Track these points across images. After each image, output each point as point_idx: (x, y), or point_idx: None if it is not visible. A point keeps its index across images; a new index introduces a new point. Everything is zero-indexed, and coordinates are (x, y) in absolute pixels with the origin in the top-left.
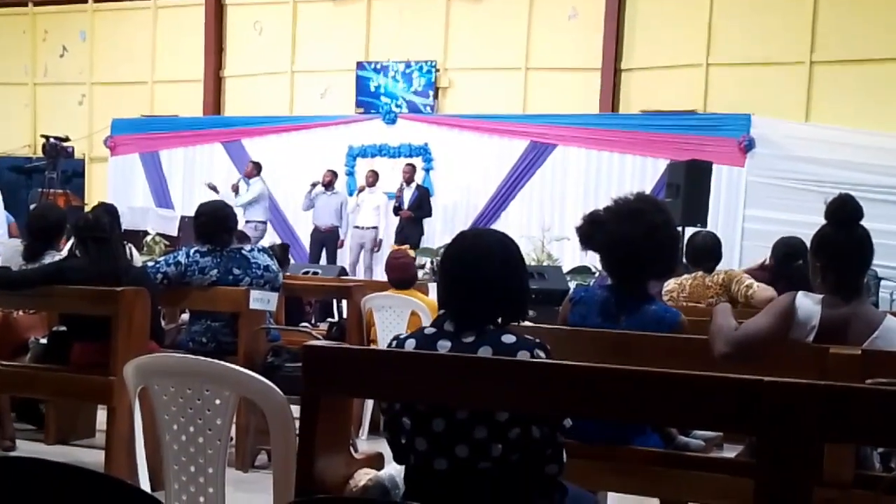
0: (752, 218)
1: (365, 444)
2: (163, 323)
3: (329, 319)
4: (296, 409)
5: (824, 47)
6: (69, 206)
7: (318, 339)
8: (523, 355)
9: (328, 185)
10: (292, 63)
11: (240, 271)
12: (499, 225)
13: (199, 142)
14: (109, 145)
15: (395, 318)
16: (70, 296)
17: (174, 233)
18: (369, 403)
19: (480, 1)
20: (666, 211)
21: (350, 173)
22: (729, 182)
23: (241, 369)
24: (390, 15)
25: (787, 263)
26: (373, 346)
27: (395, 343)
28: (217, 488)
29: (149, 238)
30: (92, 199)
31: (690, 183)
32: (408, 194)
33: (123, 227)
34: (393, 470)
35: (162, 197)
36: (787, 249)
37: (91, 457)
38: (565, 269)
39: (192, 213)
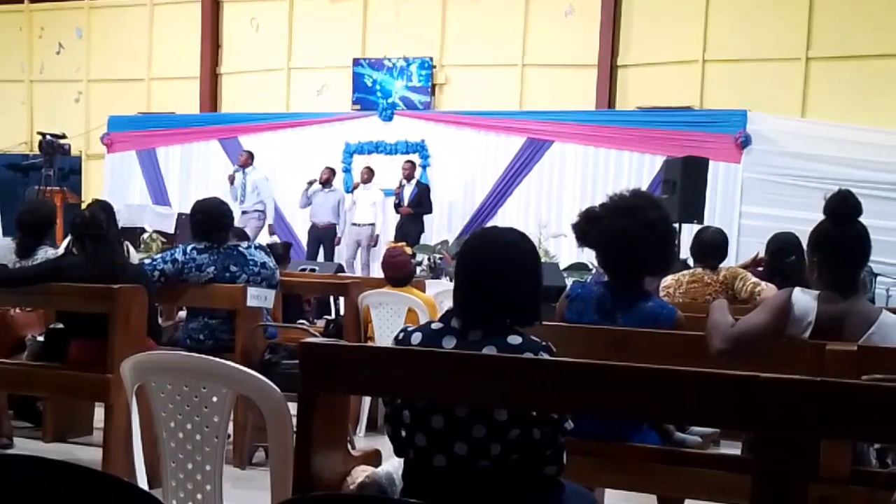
0: (748, 214)
1: (362, 442)
2: (160, 320)
3: (326, 317)
4: (293, 406)
5: (820, 43)
6: (66, 203)
7: (315, 336)
8: (528, 357)
9: (325, 182)
10: (289, 60)
11: (237, 268)
12: (496, 222)
13: (195, 139)
14: (106, 142)
15: (392, 315)
16: (67, 293)
17: (171, 230)
18: (366, 400)
19: None
20: (662, 207)
21: (347, 170)
22: (725, 178)
23: (239, 366)
24: (387, 11)
25: (780, 259)
26: (370, 343)
27: (401, 335)
28: (214, 485)
29: (146, 235)
30: (89, 196)
31: (687, 179)
32: (408, 191)
33: (120, 224)
34: (390, 467)
35: (159, 194)
36: (780, 245)
37: (88, 454)
38: (562, 266)
39: (188, 210)
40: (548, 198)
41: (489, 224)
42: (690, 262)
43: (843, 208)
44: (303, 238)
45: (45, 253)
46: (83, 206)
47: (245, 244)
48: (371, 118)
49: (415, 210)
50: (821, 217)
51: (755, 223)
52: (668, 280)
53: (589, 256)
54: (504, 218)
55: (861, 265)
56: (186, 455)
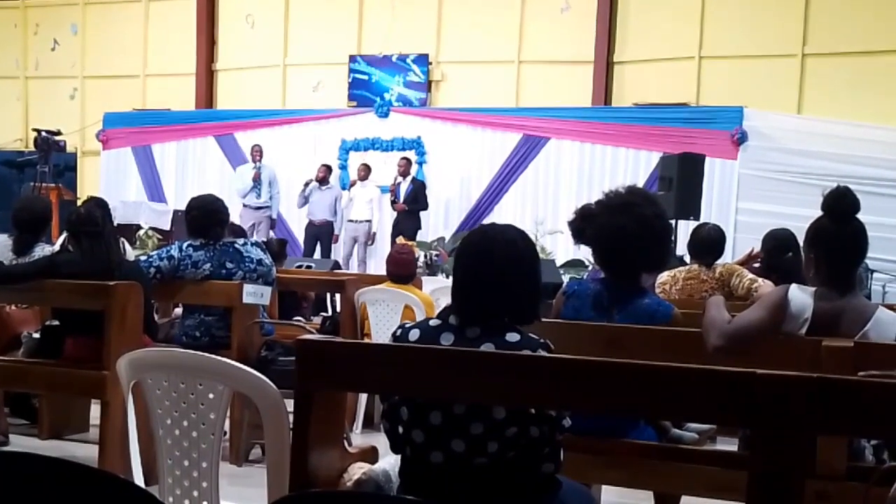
0: (744, 211)
1: (359, 438)
2: (156, 317)
3: (323, 314)
4: (289, 403)
5: (816, 40)
6: (61, 200)
7: (311, 332)
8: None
9: (322, 180)
10: (285, 56)
11: (233, 265)
12: (492, 218)
13: (191, 135)
14: (101, 139)
15: (389, 312)
16: (63, 290)
17: (167, 227)
18: (363, 397)
19: None
20: (657, 204)
21: (343, 167)
22: (722, 175)
23: (235, 363)
24: (383, 8)
25: (776, 256)
26: (366, 340)
27: (399, 332)
28: (211, 482)
29: (141, 232)
30: (84, 193)
31: (683, 176)
32: (404, 187)
33: (116, 221)
34: (387, 464)
35: (154, 191)
36: (776, 242)
37: (85, 451)
38: (559, 263)
39: (184, 207)
40: (544, 194)
41: (486, 221)
42: (687, 258)
43: (840, 205)
44: (299, 235)
45: (42, 250)
46: (79, 202)
47: (241, 241)
48: (367, 115)
49: (410, 207)
50: (818, 213)
51: (751, 220)
52: (664, 277)
53: (585, 253)
54: (500, 215)
55: (858, 262)
56: (183, 452)
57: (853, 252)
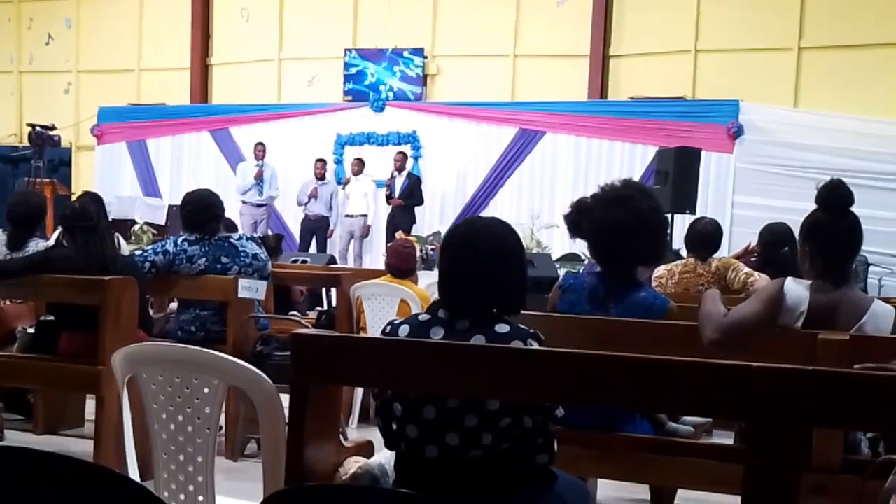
0: (740, 204)
1: (354, 433)
2: (151, 312)
3: (318, 308)
4: (285, 398)
5: (812, 33)
6: (56, 195)
7: (307, 327)
8: (516, 345)
9: (322, 176)
10: (280, 51)
11: (228, 260)
12: (488, 213)
13: (186, 130)
14: (96, 134)
15: (385, 307)
16: (57, 285)
17: (162, 222)
18: (359, 391)
19: None
20: (653, 197)
21: (338, 161)
22: (718, 168)
23: (230, 358)
24: (378, 2)
25: (773, 250)
26: (362, 335)
27: (389, 328)
28: (206, 477)
29: (136, 227)
30: (79, 188)
31: (679, 169)
32: (399, 182)
33: (111, 216)
34: (382, 458)
35: (149, 185)
36: (773, 236)
37: (80, 447)
38: (555, 257)
39: (179, 201)
40: (540, 188)
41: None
42: (683, 252)
43: (835, 198)
44: (295, 230)
45: (37, 245)
46: (73, 197)
47: (237, 235)
48: (363, 109)
49: (406, 201)
50: (813, 207)
51: (747, 213)
52: (660, 270)
53: (581, 247)
54: (496, 209)
55: (853, 255)
56: (178, 447)
57: (848, 244)
